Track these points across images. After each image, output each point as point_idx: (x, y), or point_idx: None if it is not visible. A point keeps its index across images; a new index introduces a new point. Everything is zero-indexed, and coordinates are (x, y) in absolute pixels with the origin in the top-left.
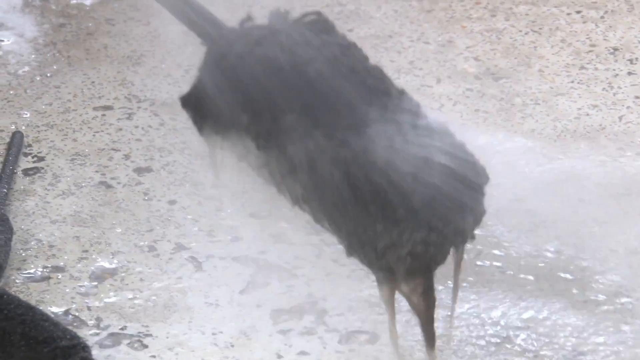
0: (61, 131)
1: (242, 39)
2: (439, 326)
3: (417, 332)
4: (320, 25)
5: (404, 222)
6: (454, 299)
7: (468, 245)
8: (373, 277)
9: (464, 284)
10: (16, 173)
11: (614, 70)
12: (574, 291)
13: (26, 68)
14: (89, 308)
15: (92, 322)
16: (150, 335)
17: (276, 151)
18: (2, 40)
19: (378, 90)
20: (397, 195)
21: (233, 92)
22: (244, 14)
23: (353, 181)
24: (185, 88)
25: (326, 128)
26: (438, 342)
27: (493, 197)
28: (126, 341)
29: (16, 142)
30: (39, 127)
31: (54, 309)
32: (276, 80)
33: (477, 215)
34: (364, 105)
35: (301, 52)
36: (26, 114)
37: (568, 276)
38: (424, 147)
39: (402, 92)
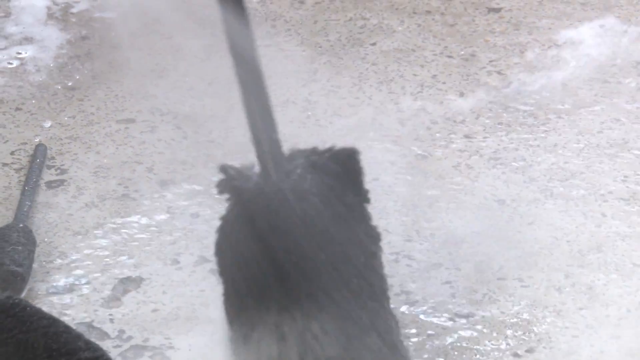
0: (84, 144)
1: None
2: None
3: None
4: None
5: None
6: None
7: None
8: None
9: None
10: (39, 185)
11: (637, 83)
12: (598, 306)
13: (49, 81)
14: (111, 320)
15: (114, 334)
16: (173, 347)
17: None
18: (20, 53)
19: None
20: None
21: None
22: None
23: None
24: (208, 101)
25: None
26: None
27: (515, 211)
28: (148, 353)
29: (39, 155)
30: (62, 139)
31: (77, 321)
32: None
33: None
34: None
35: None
36: (49, 127)
37: (592, 289)
38: None
39: None
